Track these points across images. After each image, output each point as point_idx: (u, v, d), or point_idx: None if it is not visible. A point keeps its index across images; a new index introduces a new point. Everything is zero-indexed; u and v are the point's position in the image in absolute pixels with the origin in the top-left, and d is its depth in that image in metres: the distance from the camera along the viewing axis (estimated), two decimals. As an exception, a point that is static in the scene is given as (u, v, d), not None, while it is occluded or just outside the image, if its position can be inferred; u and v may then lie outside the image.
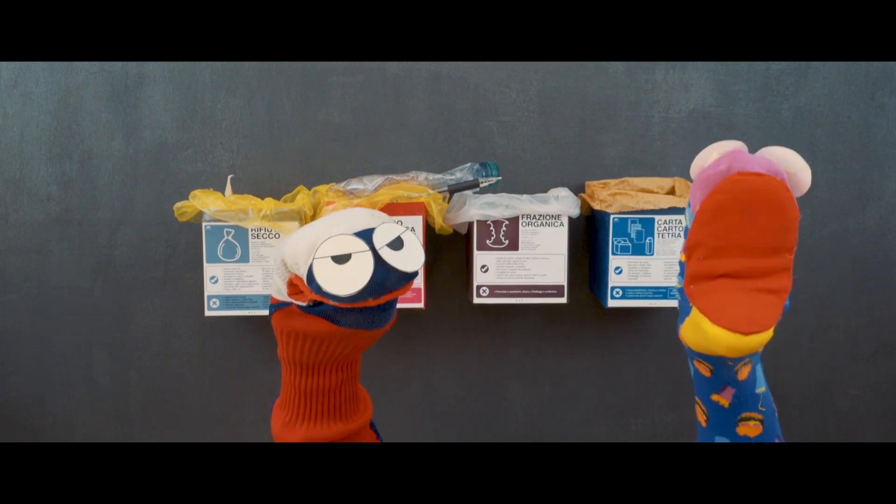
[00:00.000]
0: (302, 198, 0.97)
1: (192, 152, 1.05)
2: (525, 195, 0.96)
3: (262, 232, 0.96)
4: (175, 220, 1.04)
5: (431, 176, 0.98)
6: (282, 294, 0.59)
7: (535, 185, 1.06)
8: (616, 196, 0.95)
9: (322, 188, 0.98)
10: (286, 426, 0.63)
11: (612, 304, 0.97)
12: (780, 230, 0.58)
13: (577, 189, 1.05)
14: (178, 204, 0.96)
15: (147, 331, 1.09)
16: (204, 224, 0.96)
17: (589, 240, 1.07)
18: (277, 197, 1.04)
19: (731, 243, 0.59)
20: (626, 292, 0.97)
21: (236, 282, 0.97)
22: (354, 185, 0.97)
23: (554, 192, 0.99)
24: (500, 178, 1.00)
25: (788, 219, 0.58)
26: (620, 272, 0.96)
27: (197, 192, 0.96)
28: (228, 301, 0.97)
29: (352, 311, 0.57)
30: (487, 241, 0.96)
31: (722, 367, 0.62)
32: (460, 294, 1.08)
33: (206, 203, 0.94)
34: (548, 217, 0.95)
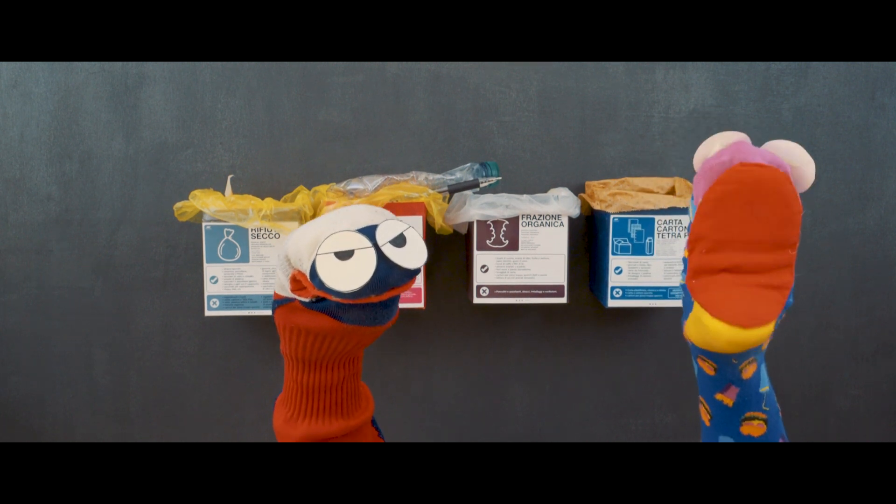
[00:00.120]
0: (302, 198, 0.97)
1: (192, 152, 1.05)
2: (525, 195, 0.96)
3: (262, 232, 0.96)
4: (175, 220, 1.04)
5: (431, 176, 0.98)
6: (285, 290, 0.59)
7: (535, 185, 1.06)
8: (616, 196, 0.95)
9: (322, 188, 0.98)
10: (288, 422, 0.63)
11: (612, 304, 0.97)
12: (782, 223, 0.58)
13: (577, 189, 1.05)
14: (178, 204, 0.96)
15: (147, 331, 1.09)
16: (204, 224, 0.96)
17: (589, 240, 1.07)
18: (277, 197, 1.04)
19: (734, 236, 0.59)
20: (626, 292, 0.97)
21: (236, 282, 0.97)
22: (354, 185, 0.97)
23: (554, 192, 0.99)
24: (500, 178, 1.00)
25: (791, 212, 0.58)
26: (620, 272, 0.96)
27: (197, 192, 0.96)
28: (228, 301, 0.97)
29: (354, 307, 0.57)
30: (487, 241, 0.96)
31: (726, 365, 0.62)
32: (460, 294, 1.08)
33: (206, 203, 0.94)
34: (548, 217, 0.95)
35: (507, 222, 0.95)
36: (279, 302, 0.60)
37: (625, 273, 0.96)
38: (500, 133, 1.05)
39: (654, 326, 1.09)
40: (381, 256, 0.54)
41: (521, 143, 1.05)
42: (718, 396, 0.64)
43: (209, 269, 0.97)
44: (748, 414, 0.63)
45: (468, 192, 0.98)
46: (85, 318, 1.09)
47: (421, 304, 0.97)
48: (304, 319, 0.59)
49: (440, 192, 0.96)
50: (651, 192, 0.99)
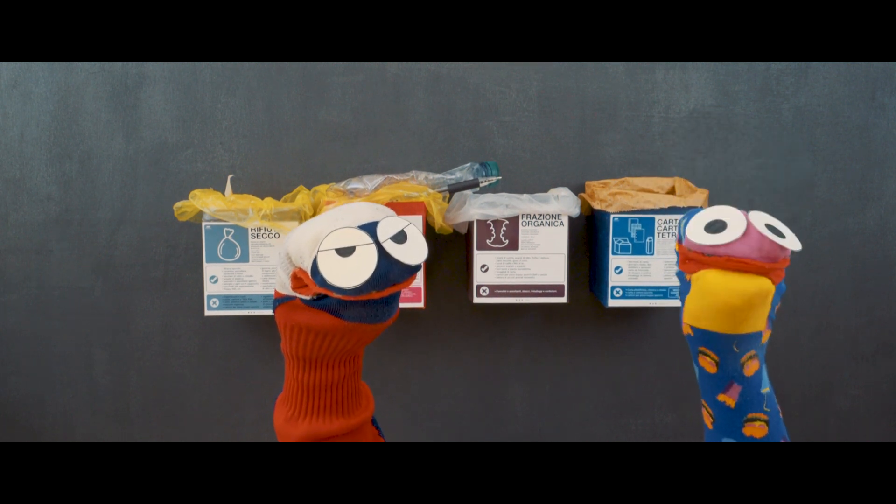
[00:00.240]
0: (302, 198, 0.97)
1: (192, 152, 1.05)
2: (525, 195, 0.96)
3: (262, 232, 0.96)
4: (175, 220, 1.04)
5: (431, 175, 0.98)
6: (286, 288, 0.59)
7: (535, 185, 1.06)
8: (616, 196, 0.95)
9: (322, 188, 0.98)
10: (289, 421, 0.63)
11: (612, 303, 0.97)
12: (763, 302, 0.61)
13: (577, 189, 1.05)
14: (178, 204, 0.96)
15: (147, 331, 1.09)
16: (204, 224, 0.96)
17: (589, 239, 1.07)
18: (277, 197, 1.04)
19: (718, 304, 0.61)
20: (627, 292, 0.97)
21: (236, 281, 0.97)
22: (354, 184, 0.97)
23: (554, 191, 0.99)
24: (500, 177, 1.00)
25: (769, 296, 0.61)
26: (620, 272, 0.96)
27: (197, 192, 0.96)
28: (228, 301, 0.97)
29: (355, 304, 0.57)
30: (487, 241, 0.96)
31: (728, 353, 0.62)
32: (460, 294, 1.08)
33: (206, 203, 0.94)
34: (548, 217, 0.95)
35: (507, 222, 0.95)
36: (280, 300, 0.60)
37: (625, 273, 0.96)
38: (500, 133, 1.05)
39: (654, 326, 1.09)
40: (382, 253, 0.54)
41: (521, 143, 1.05)
42: (721, 398, 0.64)
43: (209, 269, 0.97)
44: (750, 415, 0.63)
45: (468, 192, 0.98)
46: (85, 318, 1.09)
47: (421, 304, 0.97)
48: (305, 317, 0.59)
49: (440, 192, 0.96)
50: (651, 191, 0.99)
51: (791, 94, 1.06)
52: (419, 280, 0.96)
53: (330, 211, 0.58)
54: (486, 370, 1.10)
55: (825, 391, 1.11)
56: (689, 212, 0.64)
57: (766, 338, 0.63)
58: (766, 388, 0.64)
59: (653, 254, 0.96)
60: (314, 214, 0.98)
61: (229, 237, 0.96)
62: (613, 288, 0.97)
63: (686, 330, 0.64)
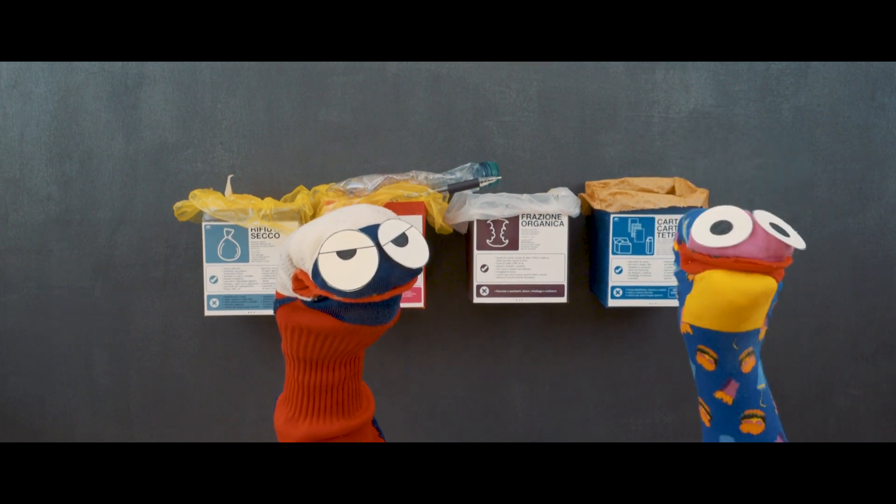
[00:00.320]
0: (302, 198, 0.97)
1: (192, 152, 1.05)
2: (525, 195, 0.96)
3: (262, 232, 0.96)
4: (175, 220, 1.04)
5: (431, 175, 0.98)
6: (287, 290, 0.59)
7: (535, 185, 1.06)
8: (616, 196, 0.95)
9: (322, 188, 0.98)
10: (289, 422, 0.63)
11: (612, 303, 0.97)
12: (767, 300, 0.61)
13: (577, 189, 1.05)
14: (178, 204, 0.96)
15: (147, 331, 1.09)
16: (204, 224, 0.96)
17: (589, 239, 1.07)
18: (277, 197, 1.04)
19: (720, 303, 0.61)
20: (627, 292, 0.97)
21: (236, 281, 0.97)
22: (354, 184, 0.97)
23: (554, 191, 0.99)
24: (500, 177, 1.00)
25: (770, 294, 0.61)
26: (620, 272, 0.96)
27: (197, 192, 0.96)
28: (228, 301, 0.97)
29: (356, 306, 0.57)
30: (487, 241, 0.96)
31: (727, 351, 0.62)
32: (460, 294, 1.08)
33: (206, 203, 0.94)
34: (548, 217, 0.95)
35: (507, 222, 0.95)
36: (281, 301, 0.60)
37: (625, 272, 0.96)
38: (500, 133, 1.05)
39: (654, 326, 1.09)
40: (383, 255, 0.54)
41: (521, 143, 1.05)
42: (718, 395, 0.64)
43: (209, 269, 0.97)
44: (747, 412, 0.64)
45: (468, 192, 0.98)
46: (85, 318, 1.09)
47: (421, 304, 0.97)
48: (305, 319, 0.59)
49: (440, 192, 0.96)
50: (651, 191, 0.99)
51: (791, 94, 1.06)
52: (419, 280, 0.96)
53: (331, 213, 0.58)
54: (486, 370, 1.10)
55: (825, 391, 1.11)
56: (689, 212, 0.64)
57: (762, 335, 0.64)
58: (761, 384, 0.64)
59: (653, 254, 0.96)
60: (314, 214, 0.98)
61: (229, 237, 0.96)
62: (613, 288, 0.97)
63: (685, 328, 0.64)
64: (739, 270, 0.59)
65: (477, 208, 0.94)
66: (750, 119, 1.06)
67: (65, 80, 1.04)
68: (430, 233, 1.00)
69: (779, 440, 0.65)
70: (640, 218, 0.95)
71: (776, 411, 0.65)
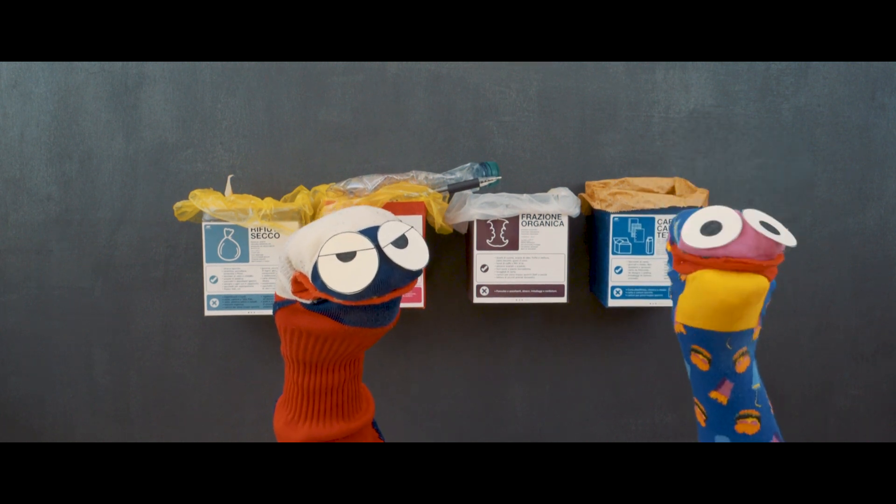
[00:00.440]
0: (302, 198, 0.97)
1: (192, 152, 1.05)
2: (525, 195, 0.96)
3: (262, 232, 0.96)
4: (175, 220, 1.04)
5: (431, 175, 0.98)
6: (286, 292, 0.59)
7: (535, 185, 1.06)
8: (616, 196, 0.95)
9: (322, 188, 0.98)
10: (288, 424, 0.63)
11: (612, 303, 0.97)
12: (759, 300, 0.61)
13: (577, 189, 1.05)
14: (178, 204, 0.96)
15: (147, 331, 1.09)
16: (204, 224, 0.96)
17: (589, 239, 1.07)
18: (277, 197, 1.04)
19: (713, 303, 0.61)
20: (627, 292, 0.97)
21: (236, 281, 0.97)
22: (354, 184, 0.97)
23: (554, 191, 0.99)
24: (500, 177, 1.00)
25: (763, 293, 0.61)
26: (620, 272, 0.96)
27: (197, 192, 0.96)
28: (228, 301, 0.97)
29: (356, 308, 0.57)
30: (487, 241, 0.96)
31: (720, 351, 0.62)
32: (460, 294, 1.08)
33: (206, 203, 0.94)
34: (548, 216, 0.95)
35: (507, 222, 0.95)
36: (280, 304, 0.60)
37: (625, 272, 0.96)
38: (500, 133, 1.05)
39: (654, 326, 1.09)
40: (383, 258, 0.54)
41: (521, 143, 1.05)
42: (713, 395, 0.64)
43: (209, 269, 0.97)
44: (742, 412, 0.64)
45: (468, 192, 0.98)
46: (85, 318, 1.09)
47: (421, 304, 0.97)
48: (305, 321, 0.59)
49: (440, 192, 0.96)
50: (651, 191, 0.99)
51: (791, 94, 1.06)
52: (419, 280, 0.96)
53: (330, 214, 0.58)
54: (486, 370, 1.10)
55: (825, 391, 1.11)
56: (681, 213, 0.64)
57: (756, 334, 0.64)
58: (756, 385, 0.64)
59: (653, 254, 0.96)
60: (314, 214, 0.98)
61: (229, 237, 0.96)
62: (613, 288, 0.97)
63: (678, 329, 0.64)
64: (730, 270, 0.59)
65: (477, 208, 0.94)
66: (750, 119, 1.06)
67: (65, 80, 1.04)
68: (430, 233, 1.00)
69: (774, 440, 0.65)
70: (640, 218, 0.95)
71: (772, 411, 0.65)
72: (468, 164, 1.00)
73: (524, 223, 0.96)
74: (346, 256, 0.54)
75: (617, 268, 0.96)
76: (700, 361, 0.64)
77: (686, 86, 1.05)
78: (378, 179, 0.97)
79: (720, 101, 1.05)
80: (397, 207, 0.94)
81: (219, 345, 1.09)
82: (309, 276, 0.55)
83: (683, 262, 0.62)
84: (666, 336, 1.10)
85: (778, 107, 1.06)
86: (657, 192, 0.99)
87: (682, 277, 0.63)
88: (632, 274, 0.96)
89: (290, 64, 1.04)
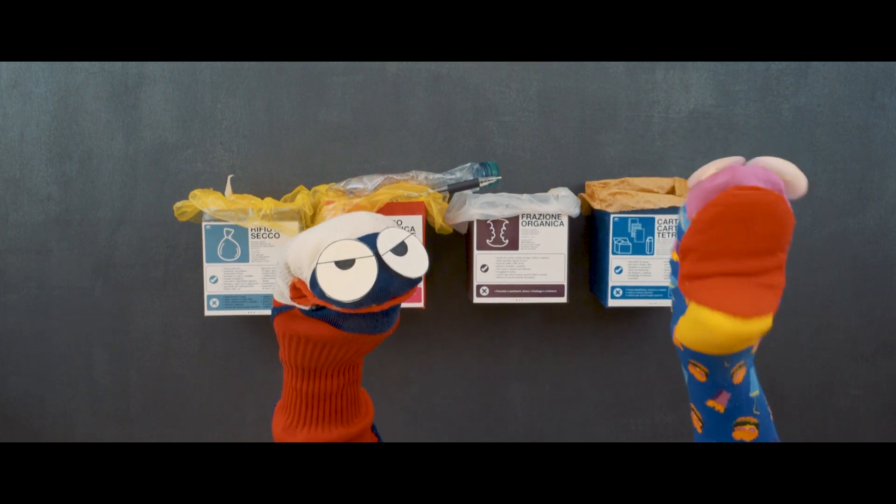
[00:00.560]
0: (302, 198, 0.97)
1: (192, 152, 1.05)
2: (525, 195, 0.96)
3: (262, 232, 0.96)
4: (175, 220, 1.04)
5: (431, 175, 0.98)
6: (284, 297, 0.59)
7: (535, 185, 1.06)
8: (616, 196, 0.95)
9: (322, 188, 0.98)
10: (287, 429, 0.63)
11: (612, 303, 0.97)
12: (776, 237, 0.58)
13: (577, 189, 1.05)
14: (178, 204, 0.96)
15: (147, 331, 1.09)
16: (204, 224, 0.96)
17: (589, 239, 1.07)
18: (277, 197, 1.04)
19: (727, 247, 0.59)
20: (627, 292, 0.97)
21: (236, 281, 0.97)
22: (354, 184, 0.97)
23: (554, 191, 0.99)
24: (500, 177, 1.00)
25: (784, 227, 0.58)
26: (621, 272, 0.96)
27: (197, 192, 0.96)
28: (228, 301, 0.97)
29: (355, 315, 0.56)
30: (487, 241, 0.96)
31: (718, 368, 0.62)
32: (460, 294, 1.08)
33: (206, 203, 0.94)
34: (548, 216, 0.95)
35: (507, 222, 0.95)
36: (278, 309, 0.60)
37: (625, 272, 0.96)
38: (500, 133, 1.05)
39: (654, 326, 1.09)
40: (382, 265, 0.54)
41: (521, 143, 1.05)
42: (710, 403, 0.64)
43: (209, 269, 0.97)
44: (740, 419, 0.63)
45: (468, 192, 0.98)
46: (85, 318, 1.09)
47: (421, 304, 0.97)
48: (303, 327, 0.58)
49: (440, 192, 0.96)
50: (651, 191, 0.99)
51: (791, 94, 1.06)
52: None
53: (329, 220, 0.57)
54: (486, 370, 1.10)
55: (825, 391, 1.11)
56: (682, 207, 0.64)
57: (755, 348, 0.63)
58: (755, 392, 0.63)
59: (653, 254, 0.96)
60: (314, 214, 0.98)
61: (229, 237, 0.96)
62: (613, 288, 0.97)
63: (676, 342, 0.64)
64: (741, 203, 0.56)
65: (477, 208, 0.94)
66: (750, 119, 1.06)
67: (65, 80, 1.04)
68: (430, 233, 1.00)
69: None
70: (640, 218, 0.95)
71: (772, 417, 0.65)
72: (468, 164, 1.00)
73: (524, 223, 0.96)
74: (344, 264, 0.53)
75: (617, 268, 0.96)
76: (697, 373, 0.63)
77: (686, 86, 1.05)
78: (378, 179, 0.97)
79: (720, 101, 1.05)
80: (397, 207, 0.94)
81: (219, 345, 1.09)
82: (307, 282, 0.55)
83: (687, 280, 0.60)
84: (666, 336, 1.10)
85: (778, 107, 1.06)
86: (657, 192, 0.99)
87: (687, 300, 0.61)
88: (632, 274, 0.96)
89: (290, 64, 1.04)
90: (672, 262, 0.64)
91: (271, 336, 1.09)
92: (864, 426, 1.12)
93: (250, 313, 0.97)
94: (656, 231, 0.96)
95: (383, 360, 1.09)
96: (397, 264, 0.54)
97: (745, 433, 0.63)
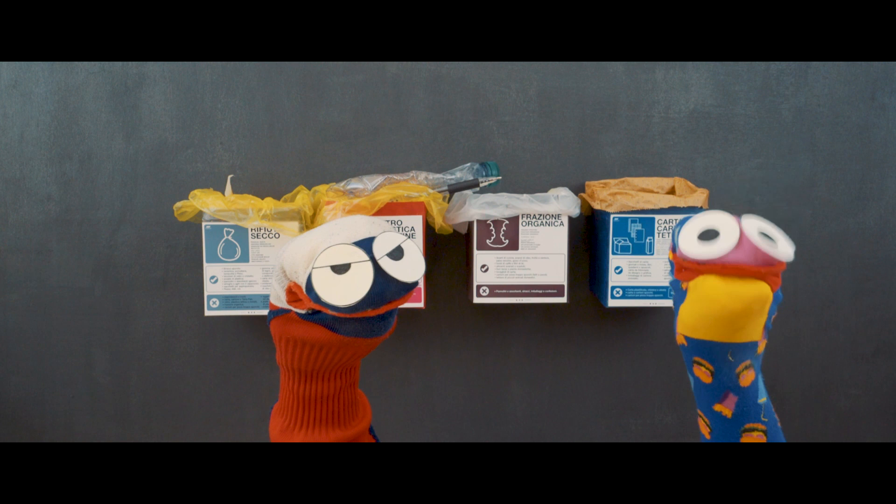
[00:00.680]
0: (302, 198, 0.97)
1: (192, 152, 1.05)
2: (525, 195, 0.96)
3: (262, 232, 0.96)
4: (175, 220, 1.04)
5: (431, 175, 0.98)
6: (280, 301, 0.59)
7: (535, 185, 1.06)
8: (616, 196, 0.95)
9: (322, 188, 0.98)
10: (284, 432, 0.63)
11: (612, 303, 0.97)
12: (761, 314, 0.60)
13: (577, 189, 1.05)
14: (178, 204, 0.96)
15: (147, 331, 1.09)
16: (204, 224, 0.96)
17: (589, 239, 1.07)
18: (277, 197, 1.04)
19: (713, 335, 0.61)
20: (627, 292, 0.97)
21: (236, 281, 0.97)
22: (354, 184, 0.97)
23: (554, 191, 0.99)
24: (500, 177, 1.00)
25: (766, 307, 0.60)
26: (620, 272, 0.96)
27: (197, 192, 0.96)
28: (228, 301, 0.97)
29: (351, 319, 0.56)
30: (487, 241, 0.96)
31: (722, 364, 0.62)
32: (460, 294, 1.08)
33: (206, 203, 0.94)
34: (548, 217, 0.95)
35: (507, 222, 0.95)
36: (275, 312, 0.60)
37: (625, 272, 0.96)
38: (500, 133, 1.05)
39: (654, 326, 1.09)
40: (378, 270, 0.53)
41: (521, 143, 1.05)
42: (717, 407, 0.63)
43: (209, 269, 0.97)
44: (748, 426, 0.63)
45: (468, 192, 0.98)
46: (85, 318, 1.09)
47: (421, 304, 0.97)
48: (300, 331, 0.58)
49: (440, 192, 0.96)
50: (651, 191, 0.99)
51: (791, 94, 1.06)
52: (419, 281, 0.96)
53: (325, 225, 0.57)
54: (486, 370, 1.10)
55: (825, 391, 1.11)
56: (681, 220, 0.64)
57: (761, 348, 0.63)
58: (762, 399, 0.63)
59: (653, 254, 0.96)
60: (314, 214, 0.98)
61: (229, 237, 0.96)
62: (613, 288, 0.97)
63: (680, 340, 0.63)
64: (729, 275, 0.58)
65: (477, 208, 0.94)
66: (750, 119, 1.06)
67: (65, 80, 1.04)
68: (430, 233, 1.00)
69: None
70: (640, 218, 0.95)
71: (779, 425, 0.65)
72: (468, 164, 1.00)
73: (524, 223, 0.96)
74: (340, 269, 0.53)
75: (617, 268, 0.96)
76: (703, 374, 0.63)
77: (686, 86, 1.05)
78: (378, 179, 0.97)
79: (720, 101, 1.05)
80: (397, 207, 0.94)
81: (219, 345, 1.09)
82: (303, 286, 0.54)
83: (684, 269, 0.61)
84: (666, 336, 1.10)
85: (778, 107, 1.06)
86: (657, 192, 0.99)
87: (684, 286, 0.61)
88: (632, 274, 0.96)
89: (290, 64, 1.04)
90: (671, 261, 0.64)
91: (271, 336, 1.09)
92: (863, 426, 1.12)
93: (250, 313, 0.97)
94: (656, 231, 0.96)
95: (383, 360, 1.09)
96: (393, 269, 0.54)
97: (754, 439, 0.63)
